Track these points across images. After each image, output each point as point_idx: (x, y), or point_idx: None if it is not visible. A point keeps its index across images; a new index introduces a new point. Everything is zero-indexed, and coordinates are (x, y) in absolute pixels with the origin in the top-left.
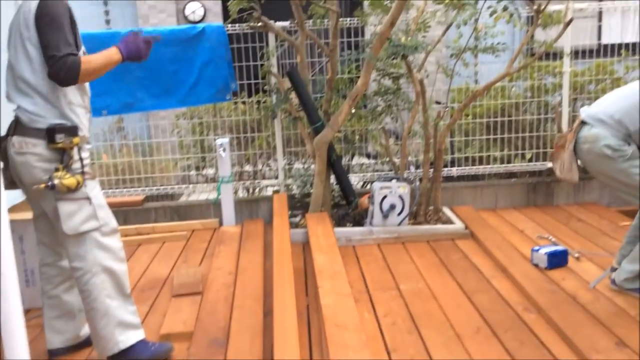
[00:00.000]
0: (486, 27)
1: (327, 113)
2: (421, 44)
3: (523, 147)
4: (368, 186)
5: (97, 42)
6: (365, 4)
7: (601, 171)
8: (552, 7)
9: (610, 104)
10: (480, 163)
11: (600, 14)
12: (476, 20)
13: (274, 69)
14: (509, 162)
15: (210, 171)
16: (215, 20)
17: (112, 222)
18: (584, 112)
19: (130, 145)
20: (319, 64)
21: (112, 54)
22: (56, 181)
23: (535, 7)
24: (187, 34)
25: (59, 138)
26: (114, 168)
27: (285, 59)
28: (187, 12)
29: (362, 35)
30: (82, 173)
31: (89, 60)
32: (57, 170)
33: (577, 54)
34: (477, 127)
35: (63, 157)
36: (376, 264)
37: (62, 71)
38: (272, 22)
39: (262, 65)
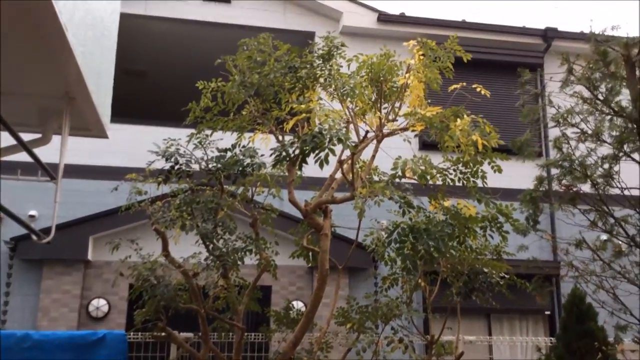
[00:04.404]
0: (385, 352)
1: None
2: None
3: None
4: None
5: None
6: (271, 320)
7: None
8: (445, 338)
9: None
10: None
11: (490, 347)
12: (375, 350)
13: None
14: None
15: None
16: (119, 317)
17: None
18: None
19: None
20: None
21: None
22: None
23: (429, 337)
24: (85, 339)
25: None
26: None
27: None
28: (91, 308)
29: (266, 351)
30: None
31: None
32: None
33: None
34: None
35: None
36: None
37: None
38: (175, 332)
39: None
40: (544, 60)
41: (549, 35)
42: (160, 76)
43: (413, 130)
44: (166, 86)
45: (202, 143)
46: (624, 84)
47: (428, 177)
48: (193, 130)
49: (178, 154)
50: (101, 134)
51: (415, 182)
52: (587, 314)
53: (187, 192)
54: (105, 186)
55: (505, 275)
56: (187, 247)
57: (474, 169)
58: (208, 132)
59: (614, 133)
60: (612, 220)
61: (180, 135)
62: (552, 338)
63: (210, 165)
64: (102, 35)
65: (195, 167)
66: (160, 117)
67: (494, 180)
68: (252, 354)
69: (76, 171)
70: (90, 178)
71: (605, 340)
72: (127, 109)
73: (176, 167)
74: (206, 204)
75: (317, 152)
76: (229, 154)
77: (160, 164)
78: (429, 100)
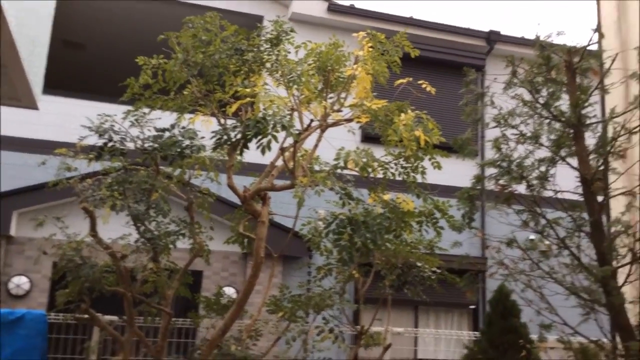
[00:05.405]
0: (314, 342)
1: None
2: (250, 355)
3: None
4: None
5: None
6: (201, 306)
7: None
8: (374, 329)
9: None
10: None
11: (416, 339)
12: (305, 339)
13: None
14: None
15: None
16: (41, 297)
17: None
18: None
19: None
20: None
21: None
22: None
23: (358, 328)
24: (2, 319)
25: None
26: None
27: (107, 354)
28: (11, 285)
29: (194, 337)
30: None
31: None
32: None
33: None
34: None
35: None
36: None
37: None
38: (99, 315)
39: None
40: (485, 62)
41: (492, 38)
42: (99, 49)
43: (358, 122)
44: (104, 60)
45: (139, 121)
46: (564, 89)
47: (369, 170)
48: (130, 107)
49: (113, 131)
50: (31, 104)
51: (356, 173)
52: (511, 310)
53: (120, 170)
54: (34, 160)
55: (437, 270)
56: (116, 228)
57: (415, 164)
58: (146, 110)
59: (552, 137)
60: (543, 222)
61: (116, 111)
62: (475, 332)
63: (146, 145)
64: (38, 2)
65: (131, 145)
66: (96, 91)
67: (433, 177)
68: (178, 339)
69: (3, 142)
70: (18, 150)
71: (527, 337)
72: (62, 80)
73: (110, 144)
74: (139, 184)
75: (259, 137)
76: (167, 134)
77: (93, 140)
78: (375, 94)
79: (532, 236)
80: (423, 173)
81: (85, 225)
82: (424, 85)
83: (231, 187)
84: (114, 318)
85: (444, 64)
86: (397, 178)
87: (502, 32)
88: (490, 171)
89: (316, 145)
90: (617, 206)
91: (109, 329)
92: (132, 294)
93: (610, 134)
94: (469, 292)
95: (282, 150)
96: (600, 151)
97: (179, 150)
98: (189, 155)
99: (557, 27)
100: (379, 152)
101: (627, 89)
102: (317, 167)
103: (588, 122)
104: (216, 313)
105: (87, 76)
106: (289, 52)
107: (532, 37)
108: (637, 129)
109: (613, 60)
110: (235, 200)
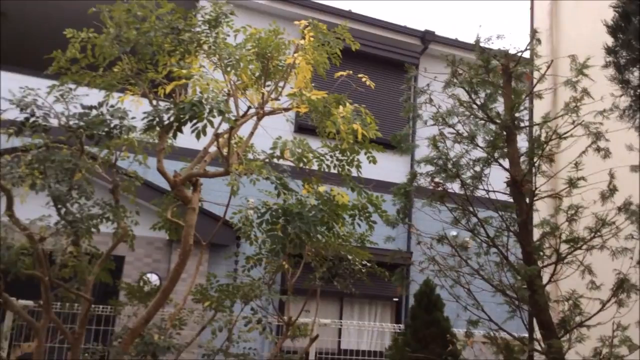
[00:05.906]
0: (240, 332)
1: None
2: (174, 345)
3: None
4: None
5: None
6: (122, 293)
7: None
8: (301, 320)
9: None
10: None
11: (340, 330)
12: (230, 329)
13: (4, 353)
14: None
15: None
16: None
17: None
18: None
19: None
20: (59, 350)
21: None
22: None
23: (286, 319)
24: None
25: None
26: None
27: (20, 340)
28: None
29: (113, 325)
30: None
31: None
32: None
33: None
34: None
35: None
36: None
37: None
38: (13, 299)
39: None
40: (419, 62)
41: (427, 37)
42: (23, 19)
43: (297, 112)
44: (29, 31)
45: (65, 97)
46: (500, 92)
47: (304, 161)
48: (55, 82)
49: (35, 105)
50: None
51: (291, 164)
52: (435, 304)
53: (42, 148)
54: None
55: (367, 263)
56: (35, 209)
57: (351, 158)
58: (72, 85)
59: (487, 138)
60: (474, 220)
61: (40, 85)
62: (399, 324)
63: (71, 122)
64: None
65: (54, 122)
66: (18, 63)
67: (368, 171)
68: (97, 327)
69: None
70: None
71: (450, 330)
72: None
73: (32, 119)
74: (62, 163)
75: (194, 122)
76: (94, 112)
77: (14, 114)
78: (313, 84)
79: (455, 232)
80: (358, 167)
81: (1, 204)
82: (364, 79)
83: (161, 171)
84: (29, 303)
85: (378, 60)
86: (332, 171)
87: (437, 33)
88: (425, 168)
89: (252, 133)
90: (543, 208)
91: (23, 314)
92: (50, 278)
93: (542, 138)
94: (400, 287)
95: (217, 136)
96: (532, 153)
97: (106, 130)
98: (117, 136)
99: (491, 30)
100: (312, 143)
101: (555, 95)
102: (250, 156)
103: (522, 125)
104: (139, 300)
105: (10, 47)
106: (228, 36)
107: (467, 39)
108: (568, 134)
109: (548, 67)
110: (164, 184)
